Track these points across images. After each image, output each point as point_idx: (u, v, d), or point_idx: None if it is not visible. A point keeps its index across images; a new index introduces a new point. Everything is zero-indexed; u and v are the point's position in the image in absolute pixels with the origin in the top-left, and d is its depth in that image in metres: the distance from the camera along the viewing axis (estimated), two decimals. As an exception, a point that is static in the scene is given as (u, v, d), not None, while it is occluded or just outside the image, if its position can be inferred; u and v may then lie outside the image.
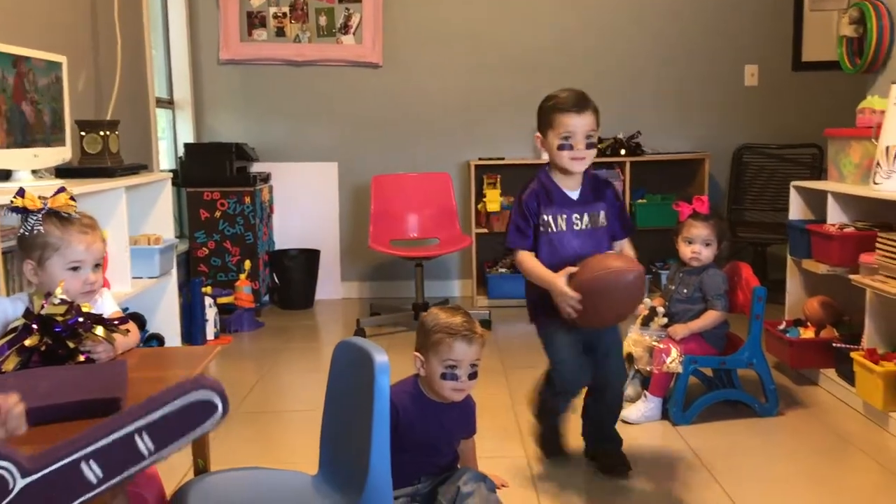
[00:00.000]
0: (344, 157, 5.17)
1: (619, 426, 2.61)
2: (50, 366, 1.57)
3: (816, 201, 3.47)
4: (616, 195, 2.44)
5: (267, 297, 4.95)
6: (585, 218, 2.35)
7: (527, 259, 2.36)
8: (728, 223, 4.64)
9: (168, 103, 4.96)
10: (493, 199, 4.87)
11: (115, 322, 1.72)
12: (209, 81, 5.10)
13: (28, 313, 1.61)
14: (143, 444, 1.10)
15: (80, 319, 1.62)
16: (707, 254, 2.95)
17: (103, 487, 1.08)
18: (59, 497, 1.06)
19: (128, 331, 1.76)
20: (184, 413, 1.13)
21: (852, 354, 2.97)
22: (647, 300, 2.82)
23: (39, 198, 1.77)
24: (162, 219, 3.50)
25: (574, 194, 2.36)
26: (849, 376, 3.05)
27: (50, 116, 2.86)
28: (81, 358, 1.62)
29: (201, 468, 1.80)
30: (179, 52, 5.00)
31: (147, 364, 1.75)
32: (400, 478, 1.78)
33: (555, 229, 2.34)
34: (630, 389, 3.05)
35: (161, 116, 4.76)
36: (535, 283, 2.36)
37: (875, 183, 2.99)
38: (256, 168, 4.99)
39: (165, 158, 4.85)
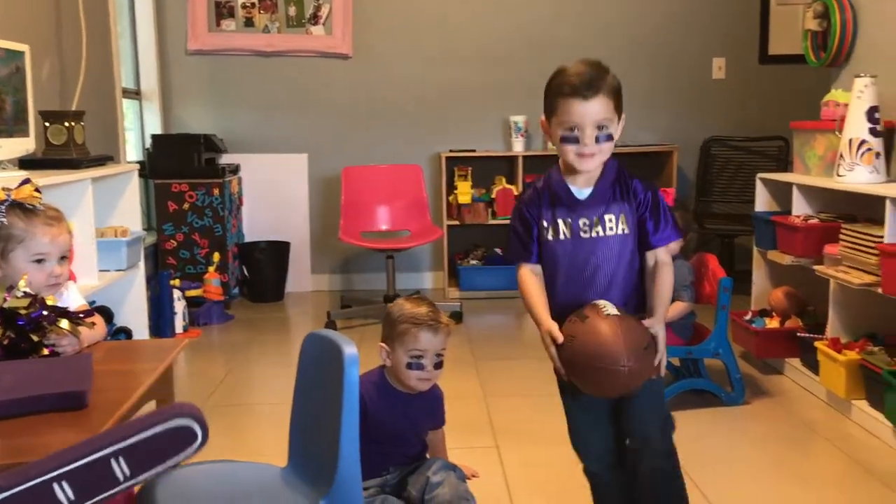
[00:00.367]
0: (314, 148, 5.14)
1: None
2: (13, 360, 1.55)
3: (782, 193, 3.51)
4: (650, 192, 1.82)
5: (236, 290, 4.91)
6: (597, 223, 1.78)
7: (524, 279, 1.84)
8: (695, 215, 4.68)
9: (135, 94, 4.89)
10: (465, 192, 4.87)
11: (81, 315, 1.70)
12: (177, 72, 5.05)
13: (-10, 307, 1.59)
14: (119, 468, 1.09)
15: (45, 312, 1.59)
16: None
17: None
18: None
19: (93, 324, 1.74)
20: (162, 439, 1.11)
21: (816, 344, 3.02)
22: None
23: (3, 189, 1.74)
24: (129, 211, 3.46)
25: (583, 193, 1.79)
26: (813, 365, 3.10)
27: (12, 107, 2.81)
28: (45, 351, 1.60)
29: (169, 461, 1.79)
30: (146, 42, 4.93)
31: (114, 357, 1.74)
32: (368, 469, 1.78)
33: (555, 237, 1.80)
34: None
35: (128, 107, 4.70)
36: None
37: (838, 175, 3.04)
38: (225, 159, 4.94)
39: (133, 150, 4.79)
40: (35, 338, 1.58)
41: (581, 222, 1.79)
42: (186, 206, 4.56)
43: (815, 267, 3.06)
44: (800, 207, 3.33)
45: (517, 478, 2.47)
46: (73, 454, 1.06)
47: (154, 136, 4.71)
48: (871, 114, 2.94)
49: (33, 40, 3.06)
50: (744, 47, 5.19)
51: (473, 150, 5.00)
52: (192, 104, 5.08)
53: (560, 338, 1.74)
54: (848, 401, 2.87)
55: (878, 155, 2.94)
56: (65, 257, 1.81)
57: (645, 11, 5.11)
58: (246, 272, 4.93)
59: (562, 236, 1.80)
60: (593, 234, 1.79)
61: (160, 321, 3.91)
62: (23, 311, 1.56)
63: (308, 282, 5.22)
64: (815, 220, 3.21)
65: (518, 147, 4.94)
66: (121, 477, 1.09)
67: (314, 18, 5.04)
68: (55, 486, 1.05)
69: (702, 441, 2.74)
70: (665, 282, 1.81)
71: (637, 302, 1.82)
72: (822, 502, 2.33)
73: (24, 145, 2.89)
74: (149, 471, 1.11)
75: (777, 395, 3.17)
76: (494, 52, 5.08)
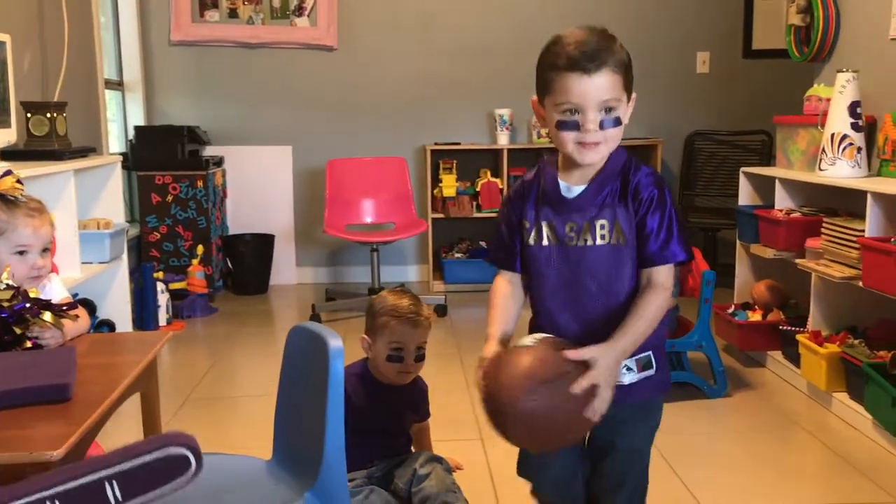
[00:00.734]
0: (298, 140, 5.12)
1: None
2: (-4, 352, 1.54)
3: (765, 187, 3.54)
4: (657, 190, 1.43)
5: (220, 283, 4.89)
6: (585, 230, 1.44)
7: (493, 288, 1.56)
8: (679, 207, 4.71)
9: (117, 85, 4.85)
10: (450, 185, 4.87)
11: (64, 308, 1.68)
12: (160, 63, 5.01)
13: (-28, 299, 1.57)
14: (112, 492, 1.09)
15: (28, 305, 1.58)
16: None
17: None
18: None
19: (77, 316, 1.73)
20: (157, 466, 1.11)
21: (798, 337, 3.05)
22: None
23: (-16, 181, 1.72)
24: (112, 203, 3.44)
25: (574, 191, 1.46)
26: (794, 358, 3.13)
27: (-6, 97, 2.78)
28: (29, 344, 1.58)
29: (153, 454, 1.78)
30: (129, 32, 4.89)
31: (97, 350, 1.73)
32: (354, 461, 1.78)
33: (537, 242, 1.49)
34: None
35: (110, 98, 4.66)
36: None
37: (820, 169, 3.06)
38: (209, 151, 4.92)
39: (115, 141, 4.76)
40: (18, 330, 1.56)
41: (567, 227, 1.45)
42: (170, 198, 4.53)
43: (797, 260, 3.09)
44: (782, 201, 3.36)
45: (502, 470, 2.48)
46: (67, 475, 1.07)
47: (137, 128, 4.68)
48: (853, 109, 2.96)
49: (14, 30, 3.03)
50: (728, 42, 5.21)
51: (458, 144, 4.99)
52: (175, 96, 5.05)
53: (484, 363, 1.43)
54: (829, 393, 2.90)
55: (859, 150, 2.97)
56: (47, 249, 1.80)
57: (630, 5, 5.12)
58: (230, 265, 4.91)
59: (545, 241, 1.48)
60: (580, 243, 1.44)
61: (143, 314, 3.89)
62: (5, 304, 1.55)
63: (292, 274, 5.20)
64: (797, 214, 3.23)
65: (503, 140, 4.94)
66: (113, 501, 1.09)
67: (299, 10, 5.01)
68: None
69: (684, 433, 2.76)
70: (648, 311, 1.41)
71: (652, 343, 1.46)
72: (803, 493, 2.35)
73: (6, 136, 2.86)
74: (141, 496, 1.11)
75: (759, 388, 3.19)
76: (480, 44, 5.07)
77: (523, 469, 1.65)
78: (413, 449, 2.21)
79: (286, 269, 5.17)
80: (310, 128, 5.12)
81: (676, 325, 3.09)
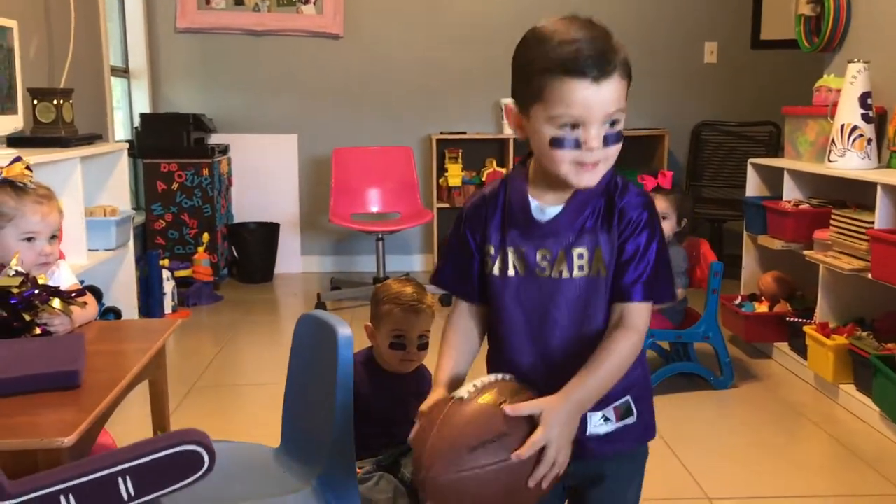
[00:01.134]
0: (304, 129, 5.11)
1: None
2: (5, 339, 1.54)
3: (773, 178, 3.52)
4: (646, 213, 1.21)
5: (226, 271, 4.89)
6: (561, 259, 1.21)
7: (452, 319, 1.33)
8: (691, 200, 4.70)
9: (123, 72, 4.84)
10: (455, 174, 4.86)
11: (73, 294, 1.68)
12: (166, 50, 4.99)
13: (-19, 285, 1.57)
14: (125, 487, 1.10)
15: (36, 291, 1.58)
16: (666, 228, 2.98)
17: None
18: None
19: (85, 303, 1.73)
20: (170, 463, 1.12)
21: (805, 328, 3.05)
22: None
23: (-7, 167, 1.72)
24: (118, 190, 3.44)
25: (547, 213, 1.22)
26: (801, 350, 3.12)
27: (0, 84, 2.77)
28: (38, 331, 1.58)
29: (161, 442, 1.78)
30: (135, 20, 4.87)
31: (105, 337, 1.73)
32: (361, 449, 1.78)
33: (502, 273, 1.25)
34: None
35: (116, 86, 4.65)
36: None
37: (830, 161, 3.05)
38: (214, 139, 4.91)
39: (121, 129, 4.75)
40: (27, 317, 1.56)
41: (539, 255, 1.22)
42: (175, 185, 4.52)
43: (806, 252, 3.08)
44: (790, 192, 3.34)
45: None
46: (81, 469, 1.08)
47: (143, 115, 4.66)
48: (864, 100, 2.94)
49: (21, 16, 3.01)
50: (736, 32, 5.18)
51: (464, 133, 4.98)
52: (180, 83, 5.03)
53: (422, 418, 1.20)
54: (835, 385, 2.89)
55: (869, 141, 2.95)
56: (55, 236, 1.80)
57: (638, -5, 5.09)
58: (235, 253, 4.91)
59: (511, 271, 1.24)
60: (553, 275, 1.21)
61: (149, 301, 3.89)
62: (15, 290, 1.55)
63: (297, 263, 5.20)
64: (805, 206, 3.22)
65: (509, 130, 4.92)
66: (125, 496, 1.10)
67: (305, -2, 4.99)
68: (62, 498, 1.06)
69: (690, 424, 2.75)
70: (614, 357, 1.18)
71: (619, 383, 1.21)
72: (810, 485, 2.35)
73: (12, 123, 2.85)
74: (154, 493, 1.13)
75: (765, 379, 3.19)
76: (486, 33, 5.04)
77: None
78: (420, 438, 2.21)
79: (291, 258, 5.16)
80: (315, 116, 5.10)
81: (684, 317, 3.09)
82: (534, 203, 1.23)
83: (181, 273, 4.27)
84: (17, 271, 1.59)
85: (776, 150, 4.68)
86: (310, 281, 4.97)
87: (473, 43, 5.07)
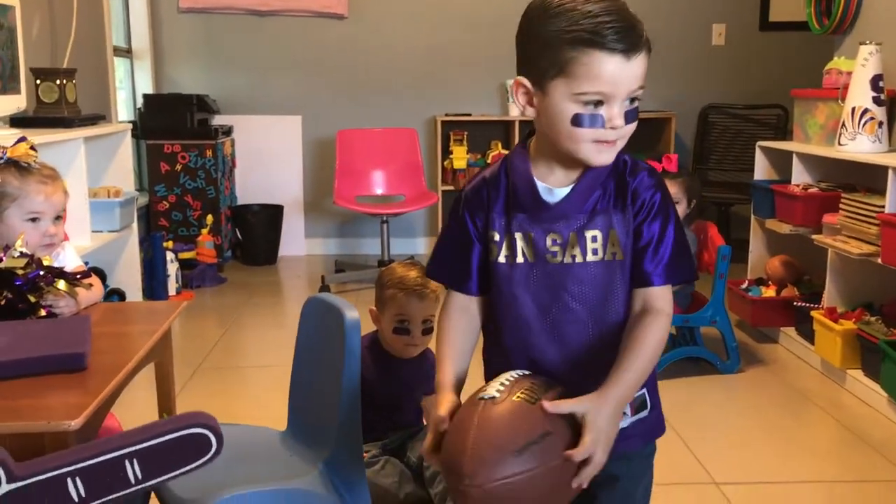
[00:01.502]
0: (308, 110, 5.07)
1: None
2: (10, 320, 1.53)
3: (781, 162, 3.49)
4: (659, 193, 1.17)
5: (229, 253, 4.88)
6: (573, 242, 1.16)
7: (447, 313, 1.25)
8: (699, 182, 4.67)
9: (126, 52, 4.80)
10: (460, 156, 4.83)
11: (78, 276, 1.67)
12: (169, 30, 4.95)
13: (-15, 266, 1.56)
14: (132, 470, 1.09)
15: (41, 273, 1.57)
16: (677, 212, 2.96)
17: None
18: None
19: (90, 285, 1.71)
20: (177, 446, 1.11)
21: (812, 313, 3.03)
22: None
23: (-2, 147, 1.70)
24: (121, 171, 3.42)
25: (556, 194, 1.17)
26: (808, 335, 3.10)
27: (3, 63, 2.75)
28: (43, 312, 1.57)
29: (167, 424, 1.78)
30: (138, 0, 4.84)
31: (111, 319, 1.71)
32: (367, 433, 1.77)
33: (510, 259, 1.19)
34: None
35: (118, 66, 4.61)
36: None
37: (840, 144, 3.02)
38: (218, 121, 4.88)
39: (124, 109, 4.72)
40: (32, 298, 1.55)
41: (549, 239, 1.16)
42: (179, 167, 4.50)
43: (814, 236, 3.05)
44: (799, 176, 3.31)
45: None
46: (89, 452, 1.07)
47: (146, 96, 4.64)
48: (875, 82, 2.91)
49: (23, -5, 2.98)
50: (744, 13, 5.12)
51: (469, 115, 4.94)
52: (184, 63, 5.00)
53: (443, 424, 1.12)
54: (843, 370, 2.88)
55: (880, 124, 2.92)
56: (60, 217, 1.78)
57: (645, -25, 5.04)
58: (239, 235, 4.90)
59: (520, 258, 1.17)
60: (566, 260, 1.16)
61: (153, 283, 3.88)
62: (20, 272, 1.53)
63: (301, 245, 5.18)
64: (814, 190, 3.19)
65: (514, 112, 4.89)
66: (133, 479, 1.10)
67: (309, -23, 4.94)
68: (69, 480, 1.06)
69: (697, 408, 2.74)
70: (648, 346, 1.13)
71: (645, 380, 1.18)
72: (816, 469, 2.34)
73: (15, 103, 2.83)
74: (161, 476, 1.12)
75: (772, 364, 3.18)
76: (491, 13, 4.98)
77: None
78: (425, 421, 2.21)
79: (295, 240, 5.15)
80: (319, 97, 5.07)
81: (691, 301, 3.07)
82: (540, 185, 1.17)
83: (185, 255, 4.26)
84: (21, 252, 1.57)
85: (784, 133, 4.65)
86: (314, 263, 4.96)
87: (479, 24, 5.02)
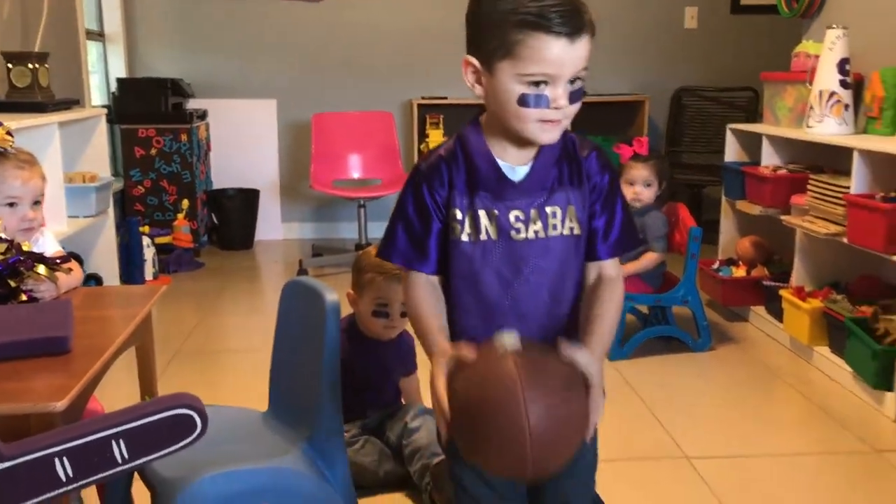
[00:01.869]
0: (283, 94, 5.06)
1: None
2: (-9, 305, 1.54)
3: (751, 144, 3.55)
4: (608, 174, 1.25)
5: (205, 238, 4.87)
6: (535, 218, 1.21)
7: (415, 292, 1.26)
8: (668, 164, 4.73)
9: (98, 35, 4.76)
10: (436, 140, 4.85)
11: (58, 261, 1.68)
12: (142, 13, 4.91)
13: (-35, 252, 1.57)
14: (119, 450, 1.11)
15: (21, 258, 1.58)
16: (648, 194, 3.01)
17: (70, 487, 1.09)
18: (27, 489, 1.07)
19: (70, 269, 1.73)
20: (163, 426, 1.13)
21: (781, 292, 3.10)
22: None
23: (-28, 132, 1.70)
24: (97, 156, 3.41)
25: (518, 172, 1.21)
26: (777, 313, 3.18)
27: (-25, 47, 2.73)
28: (24, 297, 1.58)
29: (149, 406, 1.80)
30: (109, -18, 4.79)
31: (91, 303, 1.73)
32: (346, 413, 1.80)
33: (473, 236, 1.21)
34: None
35: (91, 49, 4.57)
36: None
37: (808, 126, 3.08)
38: (192, 104, 4.86)
39: (97, 93, 4.68)
40: (13, 283, 1.56)
41: (513, 216, 1.20)
42: (154, 151, 4.48)
43: (783, 217, 3.12)
44: (769, 158, 3.38)
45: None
46: (76, 432, 1.09)
47: (120, 80, 4.60)
48: (842, 66, 2.97)
49: (-6, -22, 2.96)
50: (716, -4, 5.19)
51: (445, 98, 4.96)
52: (158, 47, 4.96)
53: (465, 353, 1.13)
54: (810, 347, 2.95)
55: (847, 107, 2.98)
56: (38, 202, 1.79)
57: (619, -41, 5.07)
58: (215, 219, 4.89)
59: (483, 235, 1.20)
60: (529, 235, 1.20)
61: (130, 268, 3.87)
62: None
63: (278, 230, 5.19)
64: (783, 171, 3.26)
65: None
66: (119, 459, 1.12)
67: (283, -40, 4.92)
68: (56, 460, 1.07)
69: (669, 386, 2.81)
70: (613, 309, 1.22)
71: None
72: (784, 443, 2.41)
73: (-12, 87, 2.81)
74: (147, 456, 1.14)
75: (742, 342, 3.25)
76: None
77: None
78: (403, 401, 2.25)
79: (271, 225, 5.15)
80: (295, 81, 5.06)
81: (663, 281, 3.13)
82: (502, 163, 1.21)
83: (161, 240, 4.25)
84: (0, 238, 1.58)
85: (755, 115, 4.72)
86: (290, 247, 4.97)
87: (455, 8, 4.96)
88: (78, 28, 4.14)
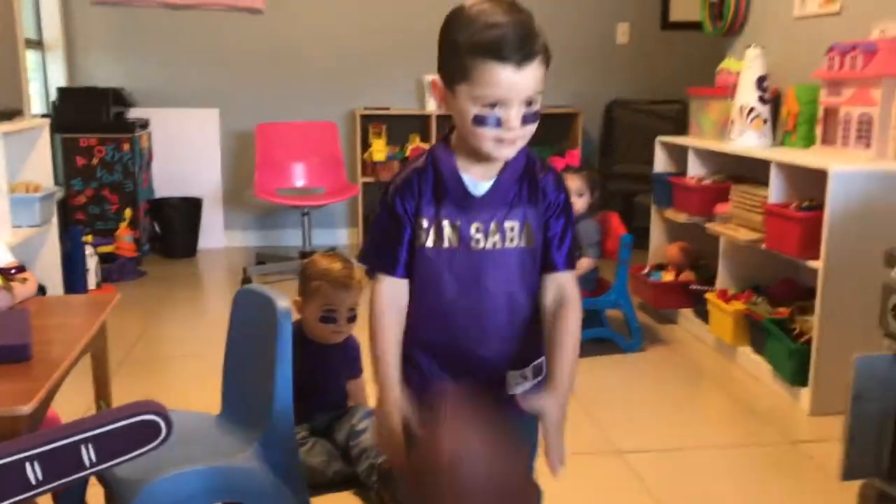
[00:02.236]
0: (226, 103, 5.09)
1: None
2: (-51, 315, 1.58)
3: (679, 155, 3.74)
4: (563, 194, 1.37)
5: (148, 247, 4.87)
6: (494, 231, 1.32)
7: (381, 305, 1.35)
8: (599, 174, 4.90)
9: (37, 44, 4.73)
10: (379, 149, 4.95)
11: (12, 271, 1.73)
12: (81, 22, 4.89)
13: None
14: (87, 455, 1.17)
15: (-22, 269, 1.63)
16: (580, 204, 3.16)
17: (40, 490, 1.14)
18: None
19: (25, 279, 1.78)
20: (129, 431, 1.19)
21: (707, 295, 3.28)
22: None
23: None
24: (40, 166, 3.40)
25: (481, 187, 1.32)
26: (704, 315, 3.36)
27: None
28: (-20, 307, 1.63)
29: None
30: (48, -10, 4.76)
31: (47, 312, 1.78)
32: (294, 416, 1.88)
33: (436, 244, 1.32)
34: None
35: (29, 58, 4.54)
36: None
37: (730, 139, 3.27)
38: (134, 113, 4.85)
39: (36, 102, 4.65)
40: (-30, 294, 1.61)
41: (474, 228, 1.31)
42: (95, 161, 4.48)
43: (708, 224, 3.30)
44: (695, 169, 3.56)
45: (434, 422, 2.63)
46: (46, 437, 1.15)
47: (60, 90, 4.58)
48: (760, 83, 3.17)
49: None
50: (647, 13, 5.39)
51: (388, 109, 5.06)
52: (98, 56, 4.95)
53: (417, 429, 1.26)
54: (734, 347, 3.14)
55: (765, 121, 3.18)
56: (-9, 214, 1.83)
57: (554, -25, 5.24)
58: (157, 228, 4.89)
59: (446, 243, 1.31)
60: (488, 246, 1.32)
61: (72, 277, 3.86)
62: (-43, 268, 1.59)
63: (221, 238, 5.21)
64: (708, 181, 3.44)
65: (431, 106, 5.03)
66: (87, 463, 1.17)
67: (225, -29, 4.96)
68: (27, 465, 1.12)
69: (604, 385, 2.95)
70: (576, 333, 1.33)
71: (537, 345, 1.37)
72: (711, 437, 2.57)
73: (-71, 98, 2.81)
74: (114, 460, 1.20)
75: (671, 343, 3.42)
76: (408, 10, 5.10)
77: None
78: (350, 404, 2.33)
79: (214, 233, 5.17)
80: (237, 91, 5.09)
81: (596, 285, 3.28)
82: (467, 178, 1.31)
83: (104, 249, 4.25)
84: (-43, 250, 1.63)
85: (684, 127, 4.90)
86: (233, 255, 5.00)
87: (396, 19, 5.13)
88: (17, 36, 4.11)
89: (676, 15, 5.37)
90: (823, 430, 2.54)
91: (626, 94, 5.33)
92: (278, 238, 5.26)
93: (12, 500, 1.14)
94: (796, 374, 2.72)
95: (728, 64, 3.55)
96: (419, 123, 5.19)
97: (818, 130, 2.95)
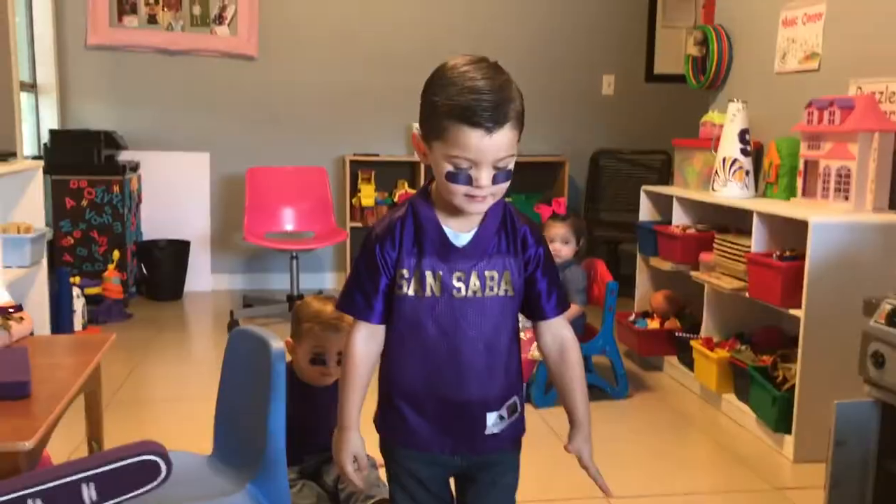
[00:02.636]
0: (216, 147, 5.15)
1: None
2: (-53, 353, 1.60)
3: (663, 204, 3.81)
4: (543, 247, 1.43)
5: (134, 289, 4.87)
6: (474, 279, 1.36)
7: (355, 350, 1.41)
8: (585, 222, 4.97)
9: (31, 87, 4.78)
10: (368, 195, 5.01)
11: (10, 310, 1.75)
12: (75, 66, 4.96)
13: (-78, 301, 1.62)
14: (88, 493, 1.19)
15: (-23, 307, 1.64)
16: (567, 251, 3.22)
17: None
18: None
19: (21, 318, 1.80)
20: (130, 471, 1.22)
21: (692, 343, 3.32)
22: None
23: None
24: (32, 207, 3.43)
25: (462, 238, 1.37)
26: (689, 362, 3.40)
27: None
28: (-22, 345, 1.64)
29: (96, 450, 1.86)
30: (43, 34, 4.83)
31: (42, 351, 1.79)
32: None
33: (418, 293, 1.36)
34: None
35: (22, 100, 4.58)
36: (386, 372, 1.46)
37: (714, 189, 3.34)
38: (125, 156, 4.90)
39: (28, 143, 4.68)
40: (-31, 332, 1.62)
41: (455, 277, 1.35)
42: (85, 202, 4.50)
43: (692, 273, 3.36)
44: (679, 218, 3.62)
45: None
46: (48, 475, 1.17)
47: (52, 132, 4.63)
48: (743, 135, 3.26)
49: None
50: (632, 66, 5.54)
51: (377, 155, 5.13)
52: (91, 99, 5.00)
53: (362, 467, 1.47)
54: (719, 394, 3.17)
55: (747, 172, 3.26)
56: (-12, 254, 1.85)
57: (541, 28, 5.38)
58: (144, 270, 4.90)
59: (428, 292, 1.36)
60: (469, 294, 1.36)
61: (60, 319, 3.86)
62: (-43, 306, 1.60)
63: (207, 281, 5.22)
64: (692, 230, 3.51)
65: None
66: (88, 502, 1.19)
67: (219, 18, 5.06)
68: (29, 500, 1.15)
69: (590, 431, 2.97)
70: (578, 370, 1.46)
71: (511, 383, 1.44)
72: (694, 482, 2.60)
73: (-74, 138, 2.84)
74: (113, 499, 1.22)
75: (657, 390, 3.45)
76: (398, 57, 5.20)
77: None
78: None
79: (201, 276, 5.18)
80: (229, 135, 5.16)
81: (583, 332, 3.32)
82: (447, 229, 1.35)
83: (91, 290, 4.25)
84: (-43, 288, 1.65)
85: (668, 177, 5.02)
86: (220, 298, 5.00)
87: (386, 67, 5.24)
88: (12, 79, 4.17)
89: (661, 68, 5.52)
90: (807, 477, 2.57)
91: (611, 144, 5.44)
92: (265, 281, 5.27)
93: None
94: (780, 421, 2.75)
95: (711, 117, 3.64)
96: (408, 170, 5.26)
97: (799, 182, 3.03)
